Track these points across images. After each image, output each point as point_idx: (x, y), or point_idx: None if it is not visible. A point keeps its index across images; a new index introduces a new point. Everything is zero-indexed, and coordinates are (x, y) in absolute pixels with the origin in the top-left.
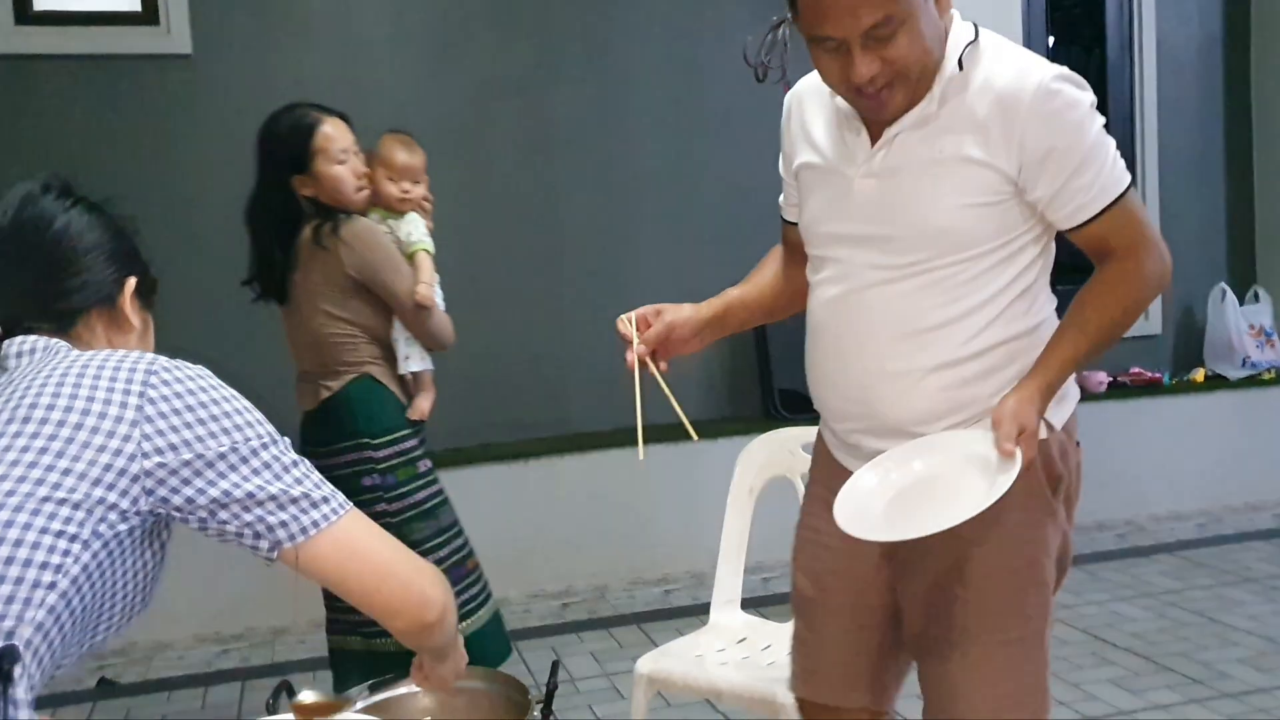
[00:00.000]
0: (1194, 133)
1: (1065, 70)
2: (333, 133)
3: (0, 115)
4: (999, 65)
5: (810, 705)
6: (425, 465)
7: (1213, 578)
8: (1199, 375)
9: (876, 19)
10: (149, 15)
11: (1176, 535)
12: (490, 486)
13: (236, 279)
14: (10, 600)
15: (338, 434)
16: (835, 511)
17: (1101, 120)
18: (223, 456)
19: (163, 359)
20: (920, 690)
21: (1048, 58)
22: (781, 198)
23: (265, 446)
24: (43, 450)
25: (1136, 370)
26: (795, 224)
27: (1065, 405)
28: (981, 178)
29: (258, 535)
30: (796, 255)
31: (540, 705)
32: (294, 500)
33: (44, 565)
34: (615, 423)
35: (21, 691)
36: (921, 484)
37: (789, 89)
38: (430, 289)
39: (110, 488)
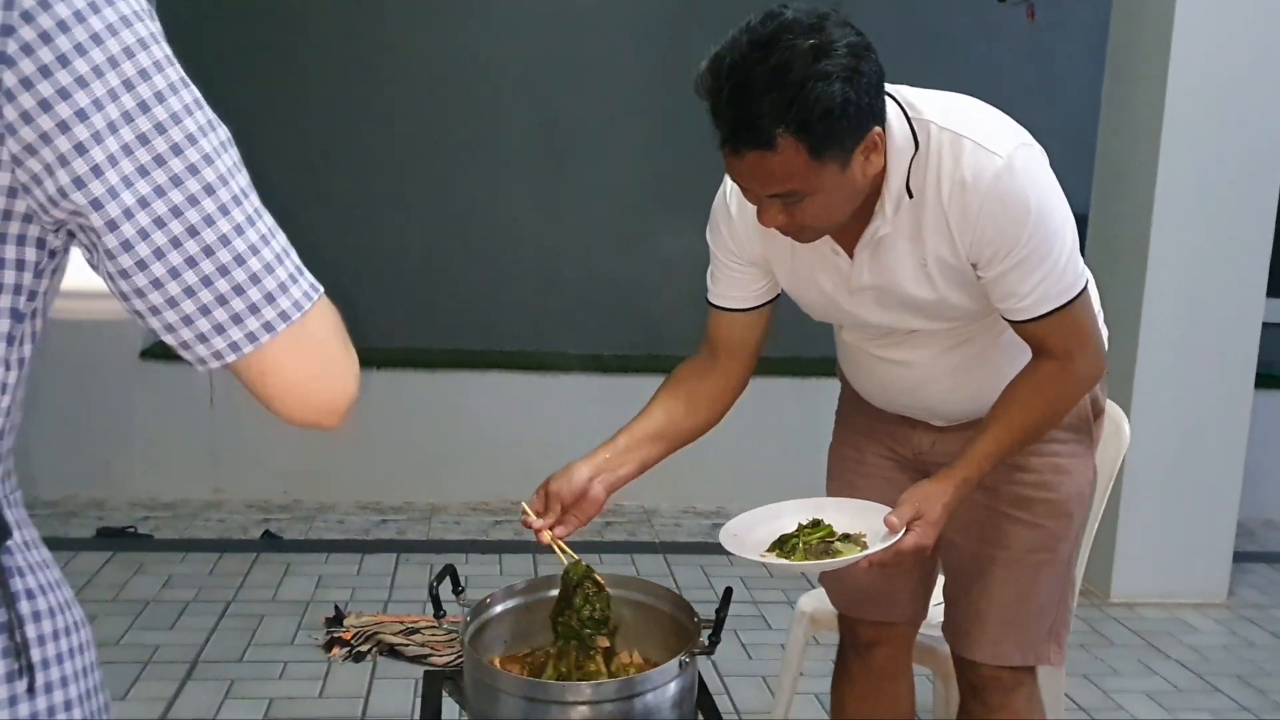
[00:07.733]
0: None
1: (1021, 155)
2: None
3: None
4: (949, 163)
5: (855, 620)
6: None
7: None
8: None
9: (780, 190)
10: None
11: None
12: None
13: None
14: None
15: None
16: (722, 539)
17: (1062, 212)
18: (121, 124)
19: None
20: (945, 596)
21: None
22: (713, 279)
23: (217, 152)
24: None
25: None
26: (731, 310)
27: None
28: (959, 270)
29: (176, 328)
30: (721, 354)
31: (709, 631)
32: (254, 280)
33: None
34: (782, 351)
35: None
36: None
37: (1033, 15)
38: None
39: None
